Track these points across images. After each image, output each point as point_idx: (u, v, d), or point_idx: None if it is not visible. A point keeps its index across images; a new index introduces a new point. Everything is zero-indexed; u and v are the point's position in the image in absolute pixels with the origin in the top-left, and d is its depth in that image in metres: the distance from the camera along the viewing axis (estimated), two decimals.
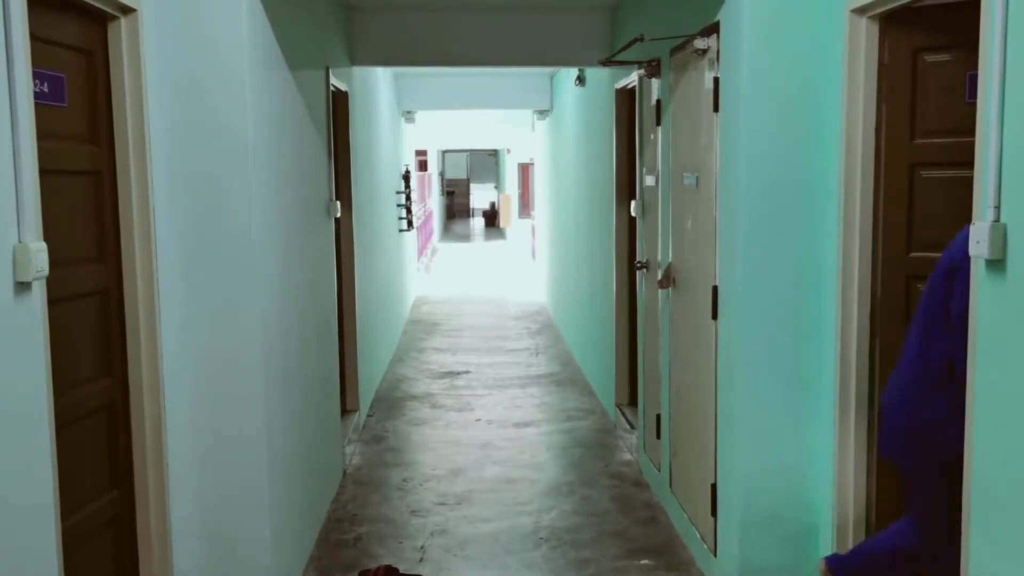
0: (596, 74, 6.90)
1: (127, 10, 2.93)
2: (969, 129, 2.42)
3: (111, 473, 3.02)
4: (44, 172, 2.40)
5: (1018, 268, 2.20)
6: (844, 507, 3.32)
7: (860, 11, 3.07)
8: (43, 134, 2.44)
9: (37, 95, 2.49)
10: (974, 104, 2.38)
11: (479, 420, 6.52)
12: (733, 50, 3.44)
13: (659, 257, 4.68)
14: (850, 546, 3.31)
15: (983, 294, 2.34)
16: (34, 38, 2.35)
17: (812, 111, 3.33)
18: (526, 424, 6.42)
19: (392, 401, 7.10)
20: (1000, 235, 2.24)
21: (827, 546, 3.43)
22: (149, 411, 3.09)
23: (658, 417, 4.74)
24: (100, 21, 2.88)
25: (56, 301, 2.51)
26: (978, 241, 2.29)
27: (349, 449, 5.67)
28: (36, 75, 2.51)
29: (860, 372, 3.23)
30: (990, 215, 2.26)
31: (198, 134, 3.20)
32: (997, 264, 2.27)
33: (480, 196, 36.91)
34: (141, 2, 2.98)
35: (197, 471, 3.32)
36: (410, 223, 10.57)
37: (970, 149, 2.38)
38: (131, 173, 2.99)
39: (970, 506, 2.41)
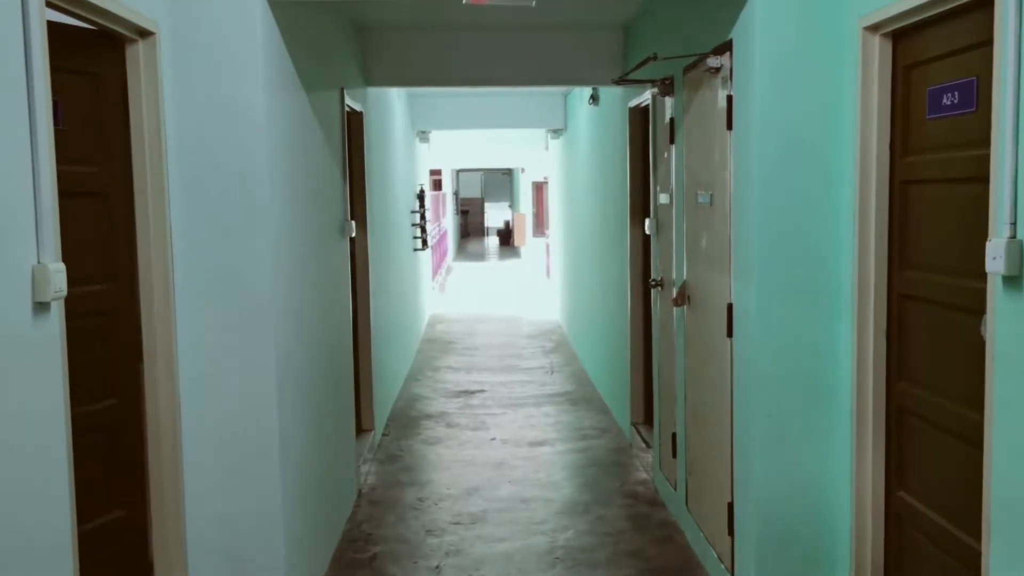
0: (609, 93, 6.92)
1: (145, 33, 2.97)
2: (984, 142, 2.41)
3: (132, 489, 3.03)
4: (64, 194, 2.44)
5: None
6: (862, 525, 3.29)
7: (873, 28, 3.07)
8: (64, 156, 2.51)
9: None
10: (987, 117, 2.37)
11: (494, 439, 6.51)
12: (746, 68, 3.44)
13: (674, 275, 4.67)
14: (868, 565, 3.27)
15: (1000, 311, 2.32)
16: (54, 60, 2.39)
17: (826, 128, 3.32)
18: (541, 443, 6.41)
19: (407, 420, 7.09)
20: (1017, 252, 2.23)
21: (845, 565, 3.40)
22: (165, 430, 3.11)
23: (674, 436, 4.72)
24: (118, 44, 2.92)
25: (72, 318, 2.53)
26: (994, 258, 2.28)
27: (364, 468, 5.67)
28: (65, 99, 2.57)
29: (877, 388, 3.21)
30: (1006, 231, 2.25)
31: (214, 155, 3.23)
32: (1014, 281, 2.26)
33: (494, 215, 37.00)
34: (158, 25, 3.02)
35: (212, 489, 3.33)
36: (424, 242, 10.60)
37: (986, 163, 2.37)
38: (148, 193, 3.02)
39: (990, 524, 2.38)
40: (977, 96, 2.58)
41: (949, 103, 2.74)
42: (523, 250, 23.90)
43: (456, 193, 28.88)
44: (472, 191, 36.38)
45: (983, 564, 2.43)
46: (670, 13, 4.70)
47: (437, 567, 4.28)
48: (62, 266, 2.34)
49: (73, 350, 2.72)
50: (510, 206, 31.22)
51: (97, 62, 2.91)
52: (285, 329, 3.52)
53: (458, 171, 27.67)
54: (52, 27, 2.65)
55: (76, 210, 2.81)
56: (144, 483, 3.11)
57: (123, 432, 3.05)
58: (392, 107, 8.06)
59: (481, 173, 35.23)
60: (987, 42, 2.41)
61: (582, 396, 7.84)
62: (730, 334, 3.72)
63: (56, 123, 2.68)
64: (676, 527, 4.69)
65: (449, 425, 6.92)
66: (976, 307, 2.52)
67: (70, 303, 2.67)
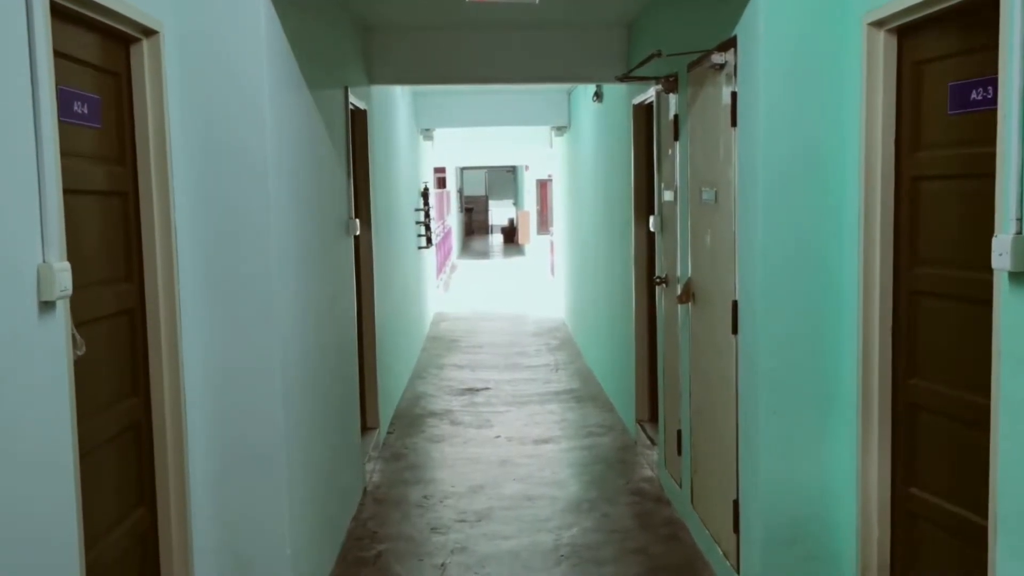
0: (613, 90, 6.91)
1: (149, 32, 2.96)
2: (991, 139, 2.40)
3: (139, 491, 3.04)
4: (71, 192, 2.45)
5: None
6: (867, 523, 3.28)
7: (877, 24, 3.06)
8: (76, 154, 2.54)
9: (77, 116, 2.57)
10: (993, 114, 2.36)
11: (499, 437, 6.51)
12: (750, 64, 3.44)
13: (678, 272, 4.67)
14: (874, 563, 3.27)
15: (1007, 307, 2.32)
16: (61, 58, 2.39)
17: (831, 124, 3.32)
18: (546, 441, 6.41)
19: (412, 418, 7.10)
20: (1023, 248, 2.22)
21: (851, 562, 3.39)
22: (171, 429, 3.11)
23: (679, 433, 4.72)
24: (123, 43, 2.92)
25: (85, 321, 2.54)
26: (1000, 253, 2.27)
27: (369, 466, 5.67)
28: (75, 96, 2.56)
29: (882, 386, 3.20)
30: (1012, 227, 2.24)
31: (219, 154, 3.23)
32: (1020, 277, 2.25)
33: (499, 213, 37.02)
34: (163, 24, 3.02)
35: (217, 489, 3.34)
36: (429, 240, 10.61)
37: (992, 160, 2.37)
38: (153, 193, 3.02)
39: (996, 517, 2.38)
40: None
41: (980, 98, 2.68)
42: (527, 248, 23.91)
43: (460, 191, 28.88)
44: (476, 189, 36.41)
45: (989, 556, 2.42)
46: (674, 10, 4.69)
47: (442, 565, 4.28)
48: (67, 265, 2.34)
49: (101, 348, 2.75)
50: (514, 204, 31.24)
51: (116, 60, 2.92)
52: (290, 328, 3.52)
53: (462, 169, 27.69)
54: (94, 25, 2.67)
55: (108, 208, 2.83)
56: (151, 483, 3.11)
57: (138, 433, 3.06)
58: (396, 105, 8.06)
59: (485, 171, 35.25)
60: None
61: (587, 394, 7.84)
62: (735, 331, 3.71)
63: (96, 121, 2.71)
64: (681, 524, 4.69)
65: (454, 423, 6.93)
66: (990, 299, 2.50)
67: (99, 302, 2.70)
